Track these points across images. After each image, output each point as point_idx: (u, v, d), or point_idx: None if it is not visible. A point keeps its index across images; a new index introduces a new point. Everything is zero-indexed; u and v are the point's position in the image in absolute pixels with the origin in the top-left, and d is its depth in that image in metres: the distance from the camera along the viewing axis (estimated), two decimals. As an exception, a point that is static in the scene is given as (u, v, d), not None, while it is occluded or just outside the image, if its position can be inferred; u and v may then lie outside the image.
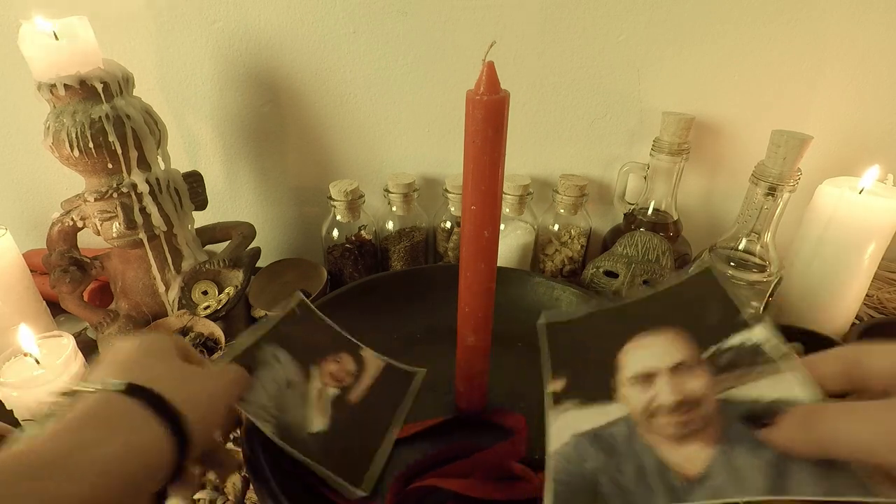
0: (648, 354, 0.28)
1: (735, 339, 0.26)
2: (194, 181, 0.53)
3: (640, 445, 0.24)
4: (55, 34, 0.42)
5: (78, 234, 0.50)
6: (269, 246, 0.69)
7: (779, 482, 0.20)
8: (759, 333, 0.26)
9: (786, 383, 0.23)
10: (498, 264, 0.34)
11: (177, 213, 0.51)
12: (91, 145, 0.44)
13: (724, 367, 0.26)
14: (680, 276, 0.31)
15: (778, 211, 0.50)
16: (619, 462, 0.24)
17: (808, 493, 0.19)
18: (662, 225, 0.59)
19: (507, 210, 0.59)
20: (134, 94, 0.49)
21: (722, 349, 0.26)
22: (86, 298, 0.54)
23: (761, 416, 0.22)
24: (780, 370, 0.24)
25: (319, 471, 0.32)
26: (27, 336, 0.42)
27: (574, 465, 0.25)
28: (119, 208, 0.47)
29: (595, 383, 0.28)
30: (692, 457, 0.23)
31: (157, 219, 0.49)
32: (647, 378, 0.27)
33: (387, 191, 0.59)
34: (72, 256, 0.50)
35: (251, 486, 0.39)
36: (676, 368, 0.27)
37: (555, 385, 0.29)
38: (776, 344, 0.25)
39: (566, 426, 0.27)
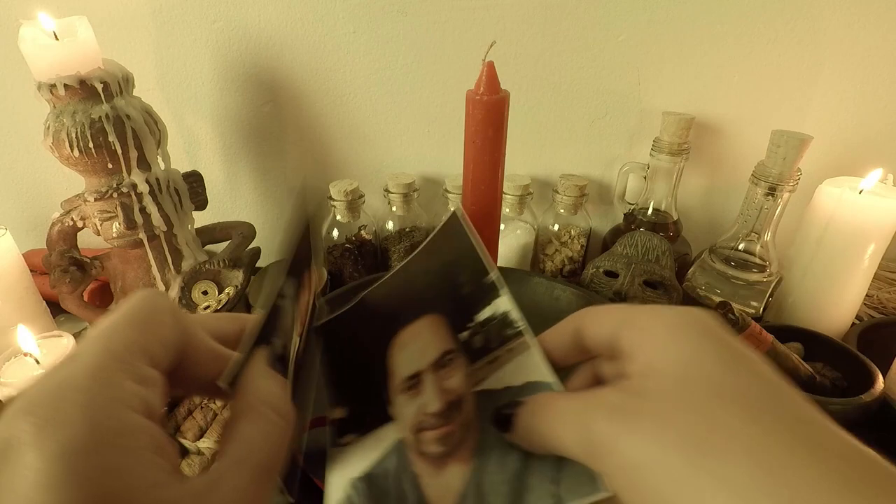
0: (413, 350, 0.24)
1: (486, 312, 0.23)
2: (194, 181, 0.53)
3: (409, 481, 0.21)
4: (55, 34, 0.42)
5: (78, 234, 0.50)
6: (269, 246, 0.69)
7: (519, 502, 0.18)
8: (505, 301, 0.22)
9: (532, 364, 0.20)
10: (498, 264, 0.34)
11: (177, 213, 0.51)
12: (91, 145, 0.44)
13: (479, 349, 0.22)
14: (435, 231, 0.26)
15: (778, 211, 0.50)
16: None
17: None
18: (662, 225, 0.59)
19: (507, 210, 0.59)
20: (134, 94, 0.49)
21: (476, 326, 0.23)
22: (86, 298, 0.54)
23: (506, 412, 0.19)
24: (527, 346, 0.21)
25: None
26: (26, 336, 0.42)
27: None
28: (119, 208, 0.47)
29: (372, 400, 0.24)
30: (449, 485, 0.20)
31: (157, 219, 0.49)
32: (414, 381, 0.23)
33: (387, 191, 0.59)
34: (72, 256, 0.50)
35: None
36: (440, 362, 0.23)
37: (334, 413, 0.24)
38: (517, 315, 0.22)
39: (344, 471, 0.23)
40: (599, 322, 0.19)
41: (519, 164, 0.64)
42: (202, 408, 0.45)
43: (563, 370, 0.21)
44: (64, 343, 0.43)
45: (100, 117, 0.44)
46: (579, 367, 0.21)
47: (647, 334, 0.17)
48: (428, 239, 0.26)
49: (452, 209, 0.26)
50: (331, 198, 0.58)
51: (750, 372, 0.15)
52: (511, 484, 0.19)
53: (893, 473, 0.13)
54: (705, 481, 0.13)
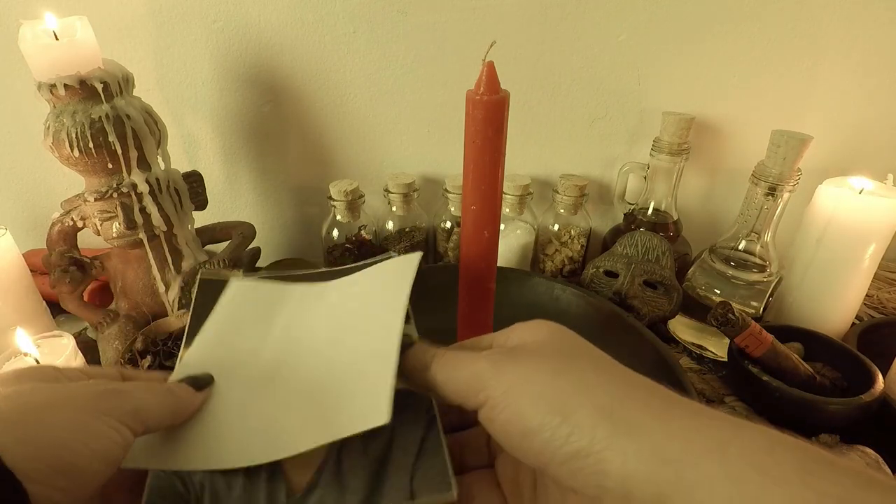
0: None
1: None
2: (194, 181, 0.53)
3: None
4: (55, 34, 0.42)
5: (78, 234, 0.50)
6: (269, 246, 0.69)
7: (377, 489, 0.21)
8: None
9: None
10: (498, 264, 0.34)
11: (177, 213, 0.51)
12: (91, 145, 0.44)
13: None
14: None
15: (778, 211, 0.50)
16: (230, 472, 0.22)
17: (396, 500, 0.21)
18: (662, 225, 0.59)
19: (507, 210, 0.59)
20: (134, 94, 0.49)
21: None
22: (86, 298, 0.54)
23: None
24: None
25: None
26: (24, 339, 0.41)
27: (176, 479, 0.21)
28: (119, 208, 0.47)
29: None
30: (308, 455, 0.22)
31: (157, 219, 0.49)
32: None
33: (387, 191, 0.59)
34: (72, 256, 0.50)
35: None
36: None
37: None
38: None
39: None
40: (476, 340, 0.25)
41: (519, 164, 0.64)
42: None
43: None
44: (64, 343, 0.43)
45: (100, 117, 0.44)
46: None
47: (513, 333, 0.23)
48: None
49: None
50: (331, 198, 0.58)
51: (586, 343, 0.22)
52: (371, 468, 0.22)
53: (684, 397, 0.19)
54: (561, 385, 0.19)
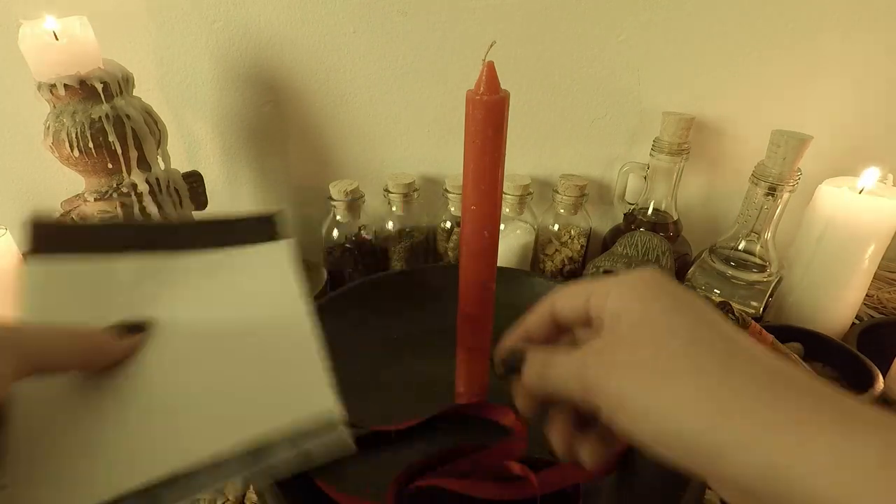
0: None
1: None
2: (194, 181, 0.53)
3: None
4: (55, 34, 0.42)
5: (78, 234, 0.50)
6: (269, 246, 0.69)
7: None
8: None
9: None
10: (498, 264, 0.34)
11: (177, 213, 0.51)
12: (91, 145, 0.44)
13: None
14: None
15: (778, 211, 0.50)
16: None
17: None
18: (662, 225, 0.59)
19: (507, 210, 0.59)
20: (134, 94, 0.49)
21: None
22: (86, 298, 0.54)
23: (511, 361, 0.25)
24: None
25: None
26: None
27: None
28: (119, 208, 0.47)
29: None
30: None
31: (157, 219, 0.49)
32: None
33: (387, 191, 0.59)
34: (72, 256, 0.50)
35: (251, 487, 0.39)
36: None
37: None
38: None
39: None
40: (569, 299, 0.24)
41: (519, 164, 0.64)
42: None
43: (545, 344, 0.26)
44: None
45: (100, 117, 0.44)
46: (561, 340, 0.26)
47: (611, 295, 0.22)
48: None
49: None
50: (331, 198, 0.58)
51: (693, 312, 0.20)
52: None
53: (810, 382, 0.17)
54: (665, 396, 0.18)
